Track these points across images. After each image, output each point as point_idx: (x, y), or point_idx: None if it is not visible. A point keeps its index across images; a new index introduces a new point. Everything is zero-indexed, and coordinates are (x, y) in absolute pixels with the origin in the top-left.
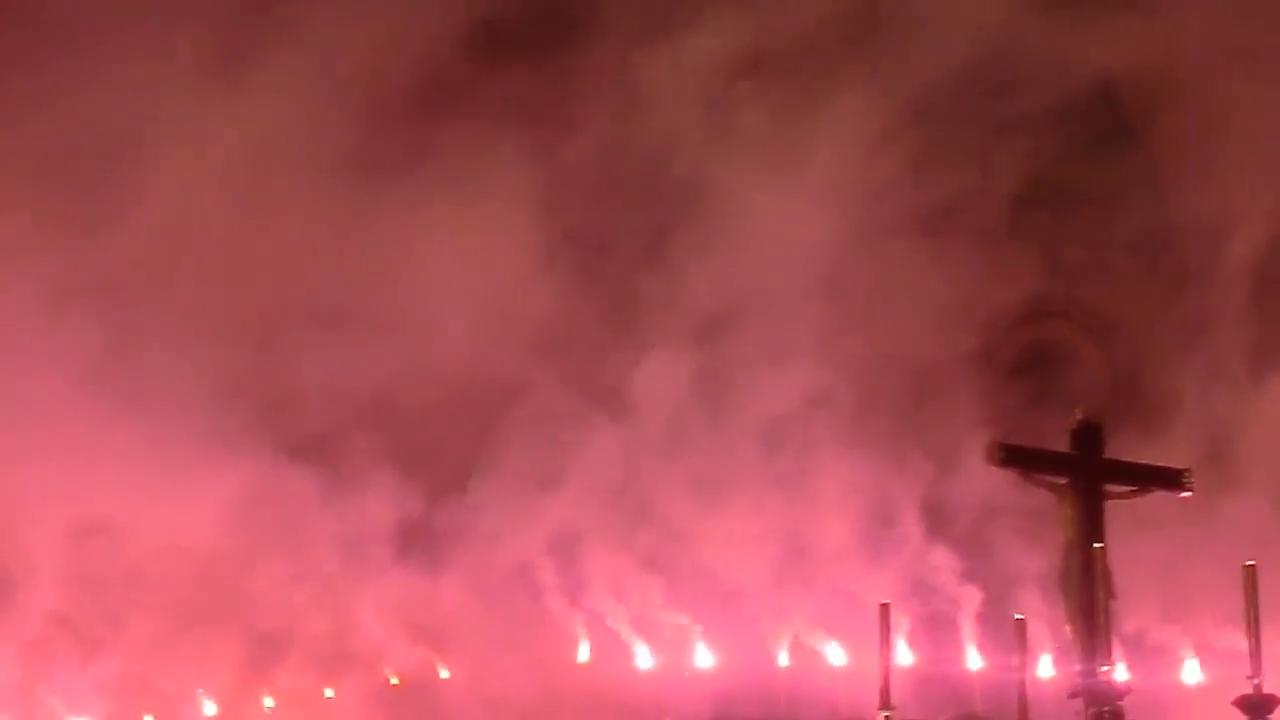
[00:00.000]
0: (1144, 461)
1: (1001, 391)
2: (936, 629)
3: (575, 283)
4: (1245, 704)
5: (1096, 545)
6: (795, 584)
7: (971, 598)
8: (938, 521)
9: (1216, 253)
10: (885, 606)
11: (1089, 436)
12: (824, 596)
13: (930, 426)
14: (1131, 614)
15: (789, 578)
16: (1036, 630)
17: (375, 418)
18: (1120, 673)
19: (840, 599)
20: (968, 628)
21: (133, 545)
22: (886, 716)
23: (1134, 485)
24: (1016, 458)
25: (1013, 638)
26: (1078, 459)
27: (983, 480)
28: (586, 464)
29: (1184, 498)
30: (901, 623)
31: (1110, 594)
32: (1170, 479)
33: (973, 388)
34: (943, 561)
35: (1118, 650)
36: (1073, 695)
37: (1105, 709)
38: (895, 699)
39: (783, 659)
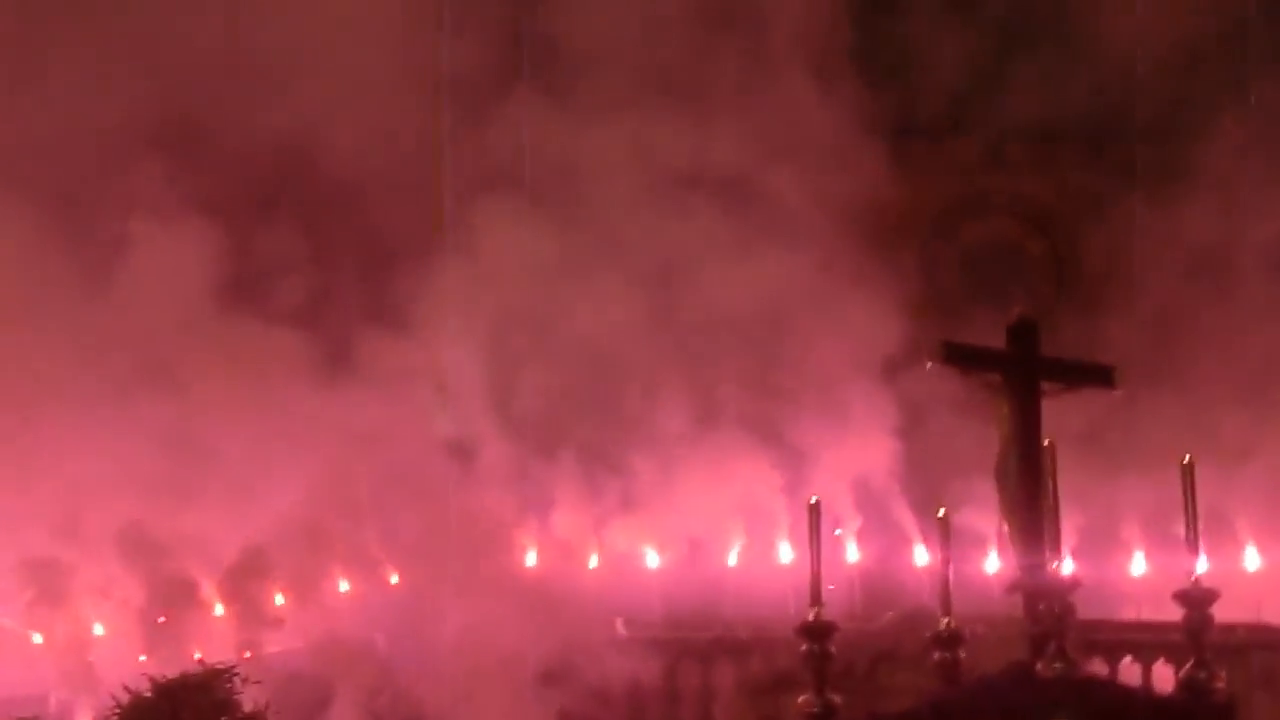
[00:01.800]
0: (1075, 359)
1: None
2: (886, 527)
3: None
4: (1185, 598)
5: (1045, 442)
6: (743, 482)
7: (919, 495)
8: (888, 418)
9: None
10: (815, 504)
11: (1025, 334)
12: (773, 495)
13: (874, 324)
14: (1076, 510)
15: (735, 476)
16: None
17: None
18: (1068, 566)
19: (789, 498)
20: (914, 525)
21: None
22: (817, 611)
23: (1065, 382)
24: (957, 355)
25: (940, 534)
26: (1012, 356)
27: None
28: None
29: (1114, 394)
30: (852, 521)
31: (1054, 490)
32: (1100, 376)
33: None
34: (891, 458)
35: (1065, 545)
36: (1010, 590)
37: (1055, 604)
38: (845, 596)
39: (731, 559)
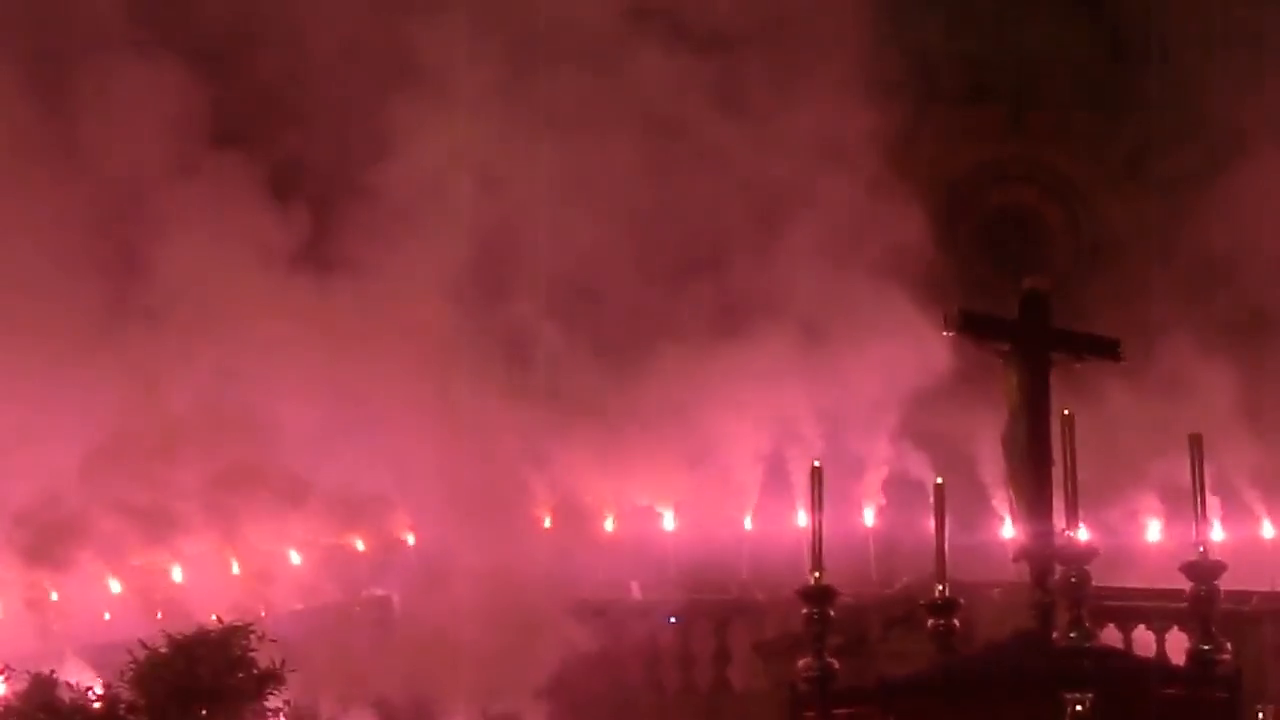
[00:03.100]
0: (1081, 330)
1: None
2: (904, 494)
3: None
4: (1191, 570)
5: (1065, 413)
6: (758, 451)
7: (937, 463)
8: (905, 389)
9: None
10: (816, 469)
11: (1036, 304)
12: (789, 461)
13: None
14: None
15: (751, 444)
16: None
17: None
18: (1082, 534)
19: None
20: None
21: None
22: (817, 577)
23: (1073, 353)
24: (972, 324)
25: (935, 501)
26: (1022, 326)
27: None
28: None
29: (1119, 364)
30: (870, 488)
31: (1063, 461)
32: (1105, 348)
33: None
34: (910, 427)
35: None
36: (1016, 558)
37: (1071, 572)
38: (859, 562)
39: (747, 523)
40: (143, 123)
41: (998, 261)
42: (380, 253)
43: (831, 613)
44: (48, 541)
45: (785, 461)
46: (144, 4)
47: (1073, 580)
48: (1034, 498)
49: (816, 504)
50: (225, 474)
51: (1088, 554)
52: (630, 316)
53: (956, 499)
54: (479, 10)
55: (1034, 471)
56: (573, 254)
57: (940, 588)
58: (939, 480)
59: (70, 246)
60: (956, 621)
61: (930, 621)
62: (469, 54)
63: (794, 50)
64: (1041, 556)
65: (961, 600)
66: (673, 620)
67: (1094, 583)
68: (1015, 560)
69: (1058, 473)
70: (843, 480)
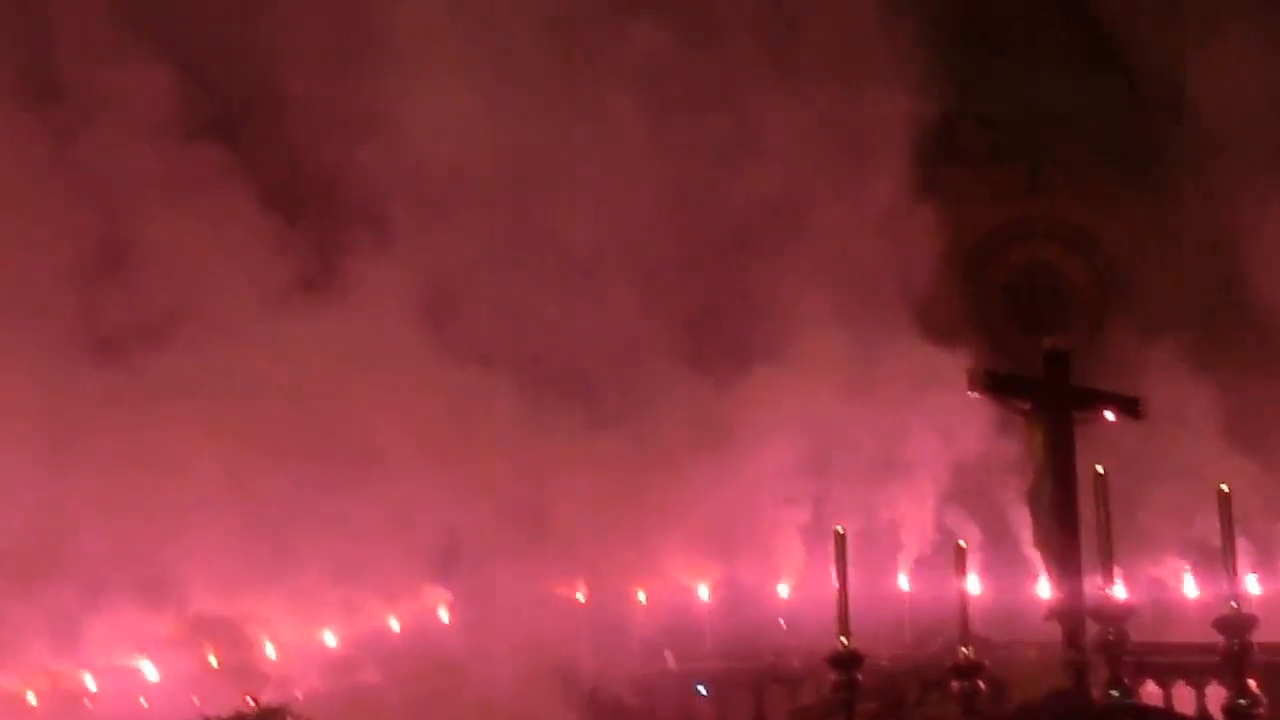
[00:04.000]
0: (1102, 389)
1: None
2: (940, 554)
3: None
4: (1224, 624)
5: (1099, 469)
6: (796, 517)
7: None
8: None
9: None
10: (840, 535)
11: (1057, 364)
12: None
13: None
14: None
15: (789, 513)
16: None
17: None
18: (1120, 592)
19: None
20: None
21: None
22: (844, 642)
23: (1093, 411)
24: (995, 384)
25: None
26: (1044, 385)
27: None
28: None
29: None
30: (910, 551)
31: (1106, 516)
32: (1125, 406)
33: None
34: (944, 490)
35: (1116, 572)
36: (1048, 618)
37: (1110, 629)
38: (895, 624)
39: (782, 590)
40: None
41: (1021, 318)
42: (404, 330)
43: (861, 678)
44: (79, 628)
45: (820, 525)
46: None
47: (1111, 637)
48: (1062, 556)
49: (842, 569)
50: (256, 551)
51: (1125, 611)
52: (659, 385)
53: (993, 558)
54: None
55: (1061, 530)
56: (604, 325)
57: (964, 649)
58: (961, 543)
59: None
60: (982, 683)
61: (955, 684)
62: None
63: (818, 108)
64: (1073, 615)
65: (986, 662)
66: (702, 691)
67: (1132, 638)
68: (1046, 619)
69: (1088, 529)
70: (876, 542)
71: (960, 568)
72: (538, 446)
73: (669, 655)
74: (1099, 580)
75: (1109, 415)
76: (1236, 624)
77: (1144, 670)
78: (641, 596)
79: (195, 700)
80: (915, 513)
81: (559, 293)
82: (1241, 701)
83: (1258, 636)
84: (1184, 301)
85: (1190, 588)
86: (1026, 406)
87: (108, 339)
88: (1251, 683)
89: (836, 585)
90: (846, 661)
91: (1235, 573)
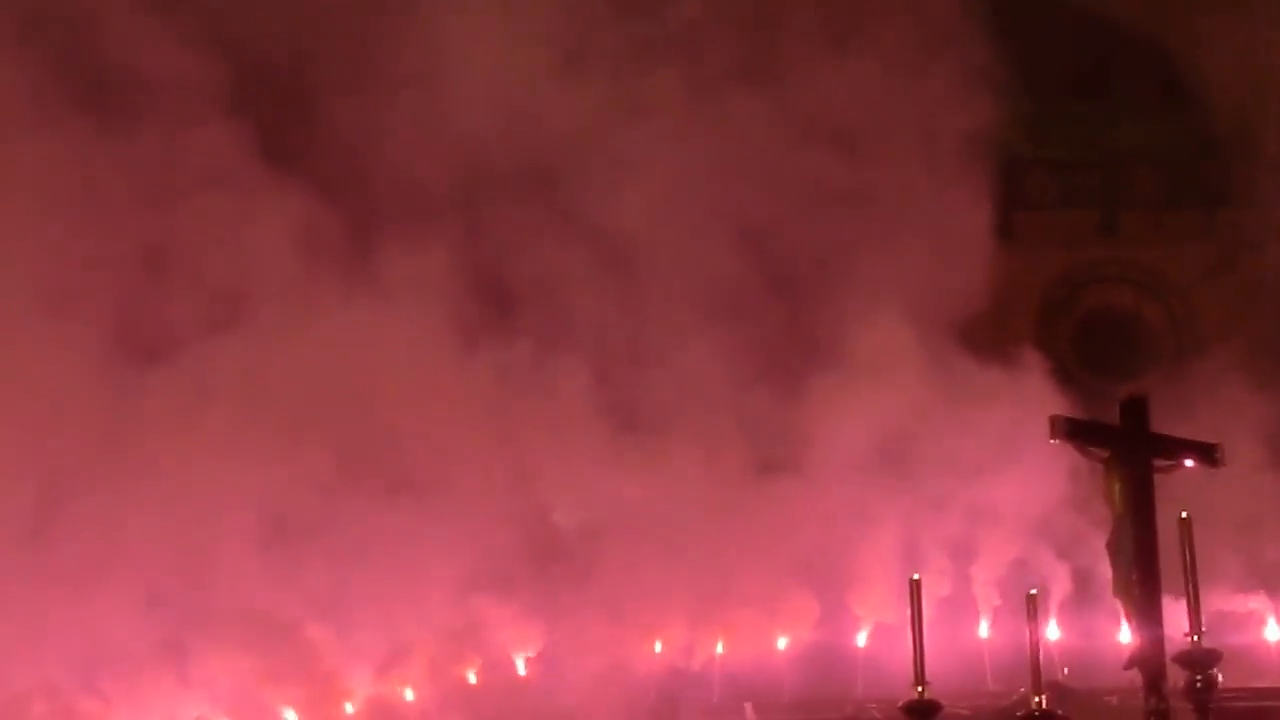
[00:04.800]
0: (1180, 436)
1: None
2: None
3: None
4: (1185, 660)
5: (1183, 515)
6: (873, 565)
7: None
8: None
9: None
10: (915, 582)
11: (1135, 411)
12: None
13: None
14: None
15: (865, 560)
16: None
17: None
18: (1209, 639)
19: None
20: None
21: None
22: (920, 691)
23: (1171, 459)
24: (1074, 432)
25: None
26: (1122, 433)
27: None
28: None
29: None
30: (989, 599)
31: (1191, 562)
32: (1204, 453)
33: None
34: (1026, 538)
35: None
36: (1128, 665)
37: (1198, 678)
38: (976, 674)
39: (861, 639)
40: None
41: (1097, 363)
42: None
43: None
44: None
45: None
46: None
47: (1198, 685)
48: (1143, 604)
49: (917, 617)
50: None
51: (1212, 658)
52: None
53: (1075, 604)
54: None
55: (1141, 578)
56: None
57: (1037, 698)
58: (1032, 591)
59: None
60: None
61: None
62: None
63: (886, 154)
64: (1154, 662)
65: (1059, 711)
66: None
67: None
68: (1126, 668)
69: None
70: (958, 589)
71: (1033, 615)
72: (605, 484)
73: (749, 707)
74: (1184, 626)
75: (1188, 462)
76: (1197, 659)
77: (1227, 716)
78: (719, 647)
79: None
80: (997, 560)
81: (639, 326)
82: None
83: None
84: (1259, 344)
85: (1273, 631)
86: (1105, 454)
87: (164, 342)
88: None
89: (911, 633)
90: (923, 711)
91: (1197, 607)
